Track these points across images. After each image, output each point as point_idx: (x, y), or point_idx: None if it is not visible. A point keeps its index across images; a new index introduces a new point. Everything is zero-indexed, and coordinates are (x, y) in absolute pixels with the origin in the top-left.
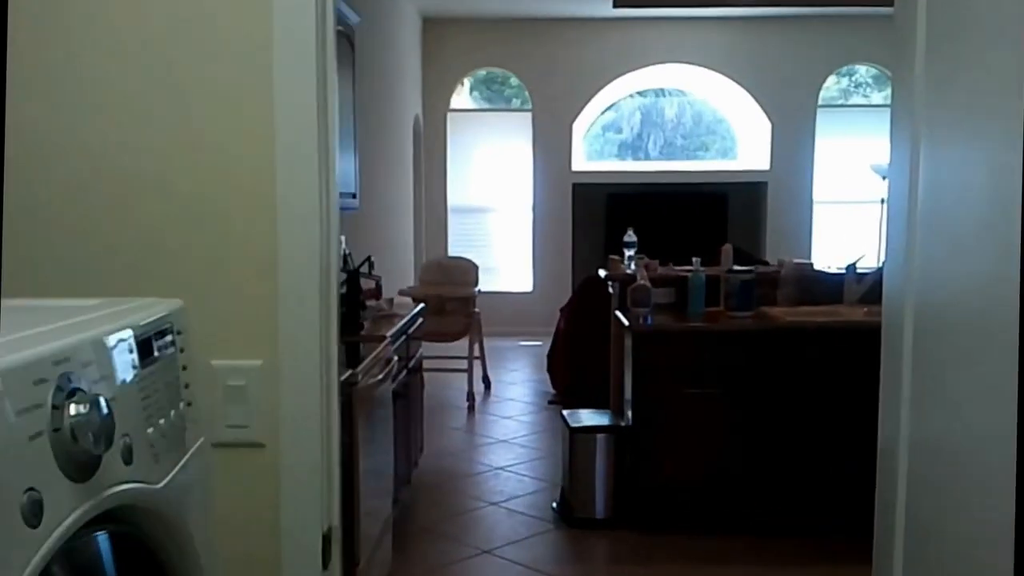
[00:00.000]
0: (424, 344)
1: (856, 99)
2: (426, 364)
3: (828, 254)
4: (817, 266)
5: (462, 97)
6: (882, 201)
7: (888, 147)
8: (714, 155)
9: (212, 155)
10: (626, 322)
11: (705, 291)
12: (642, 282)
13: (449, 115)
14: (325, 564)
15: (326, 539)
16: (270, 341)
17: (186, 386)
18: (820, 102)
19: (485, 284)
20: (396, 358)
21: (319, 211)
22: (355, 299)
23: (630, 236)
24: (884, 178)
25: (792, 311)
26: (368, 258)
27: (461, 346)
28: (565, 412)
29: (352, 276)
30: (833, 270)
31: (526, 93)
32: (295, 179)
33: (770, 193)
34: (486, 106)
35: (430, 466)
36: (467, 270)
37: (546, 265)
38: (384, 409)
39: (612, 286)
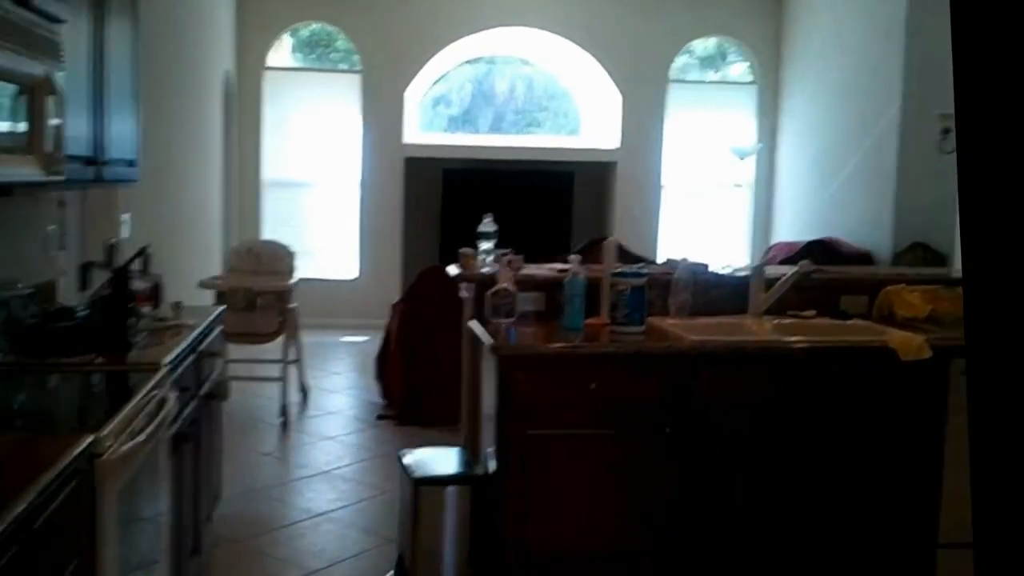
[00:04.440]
0: (232, 346)
1: (696, 75)
2: (232, 369)
3: (677, 243)
4: (712, 267)
5: (282, 55)
6: (738, 185)
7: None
8: (548, 131)
9: None
10: (489, 339)
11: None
12: (505, 285)
13: (266, 74)
14: None
15: None
16: None
17: None
18: (672, 76)
19: (305, 270)
20: (176, 393)
21: None
22: (121, 308)
23: (488, 225)
24: (742, 159)
25: (692, 325)
26: (143, 250)
27: (275, 348)
28: (404, 457)
29: (118, 276)
30: (730, 272)
31: (355, 57)
32: None
33: (619, 174)
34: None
35: (229, 516)
36: (282, 257)
37: (375, 249)
38: (153, 474)
39: (465, 288)
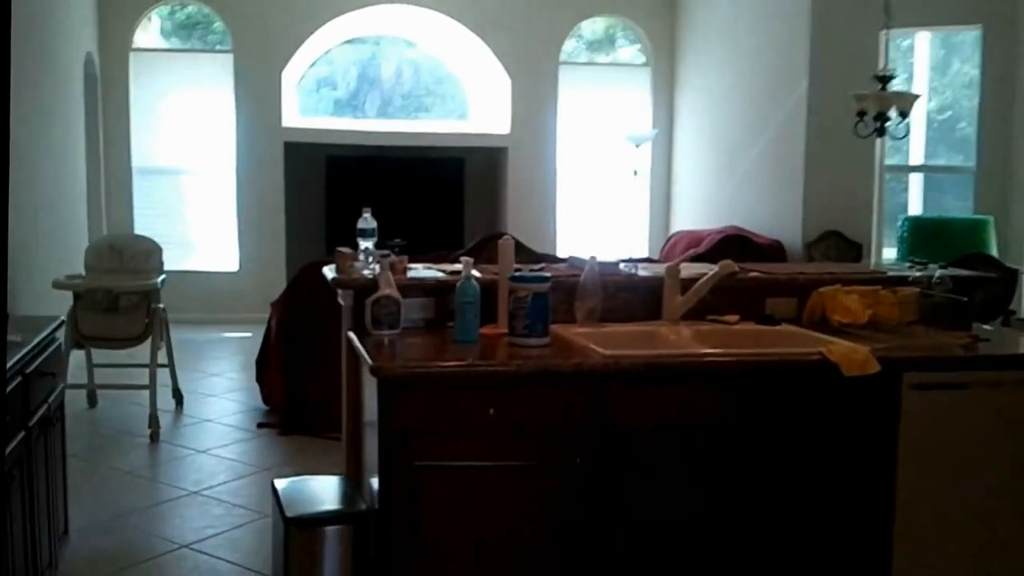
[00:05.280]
0: (96, 351)
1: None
2: (99, 376)
3: (575, 234)
4: (623, 266)
5: (151, 36)
6: (635, 173)
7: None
8: (437, 116)
9: None
10: (368, 358)
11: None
12: (388, 292)
13: (132, 55)
14: None
15: None
16: None
17: None
18: (563, 58)
19: (182, 262)
20: None
21: None
22: None
23: (366, 221)
24: (638, 146)
25: (602, 334)
26: None
27: (145, 352)
28: (279, 485)
29: None
30: (630, 266)
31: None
32: None
33: (512, 161)
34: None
35: (81, 552)
36: (147, 253)
37: (255, 240)
38: None
39: (343, 296)
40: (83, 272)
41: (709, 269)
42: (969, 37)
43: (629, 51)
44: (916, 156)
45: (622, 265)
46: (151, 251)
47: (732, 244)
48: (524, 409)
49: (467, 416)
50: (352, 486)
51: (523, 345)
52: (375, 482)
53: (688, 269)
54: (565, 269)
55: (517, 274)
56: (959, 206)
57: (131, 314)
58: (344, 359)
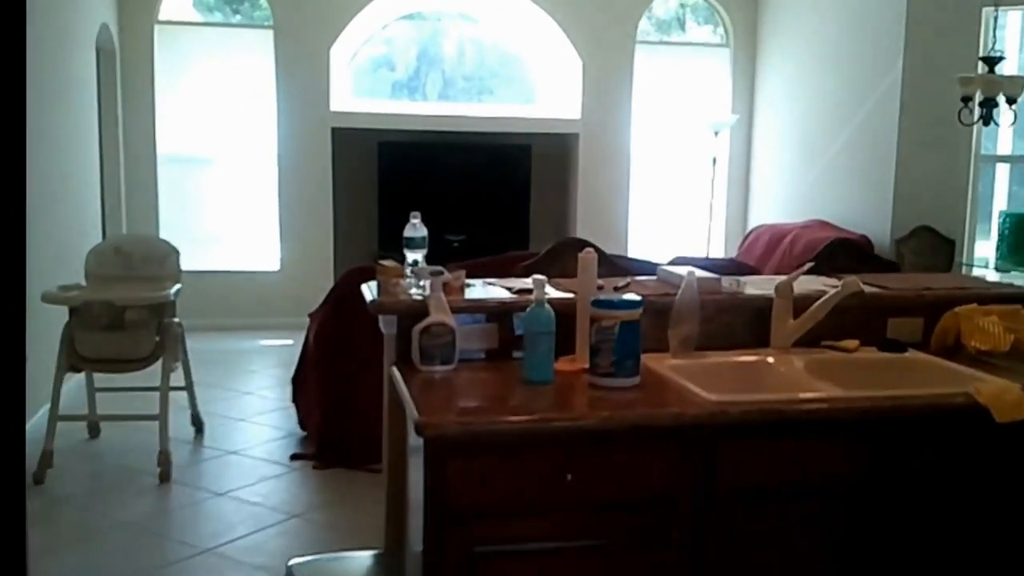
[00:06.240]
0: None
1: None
2: (101, 404)
3: (648, 228)
4: (726, 282)
5: (180, 6)
6: (714, 161)
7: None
8: (502, 99)
9: None
10: (414, 408)
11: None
12: (440, 319)
13: (158, 29)
14: None
15: None
16: None
17: None
18: (639, 37)
19: (215, 262)
20: None
21: None
22: None
23: (415, 228)
24: (717, 134)
25: (701, 369)
26: None
27: (156, 371)
28: (294, 568)
29: None
30: (748, 288)
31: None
32: None
33: (583, 148)
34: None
35: None
36: (161, 257)
37: (299, 236)
38: None
39: (384, 322)
40: (84, 280)
41: (824, 284)
42: None
43: (701, 32)
44: (1004, 144)
45: (724, 281)
46: (165, 255)
47: (842, 250)
48: (610, 473)
49: (539, 484)
50: (391, 566)
51: (608, 387)
52: (421, 567)
53: (800, 284)
54: (655, 285)
55: (602, 298)
56: None
57: (138, 331)
58: (386, 398)
